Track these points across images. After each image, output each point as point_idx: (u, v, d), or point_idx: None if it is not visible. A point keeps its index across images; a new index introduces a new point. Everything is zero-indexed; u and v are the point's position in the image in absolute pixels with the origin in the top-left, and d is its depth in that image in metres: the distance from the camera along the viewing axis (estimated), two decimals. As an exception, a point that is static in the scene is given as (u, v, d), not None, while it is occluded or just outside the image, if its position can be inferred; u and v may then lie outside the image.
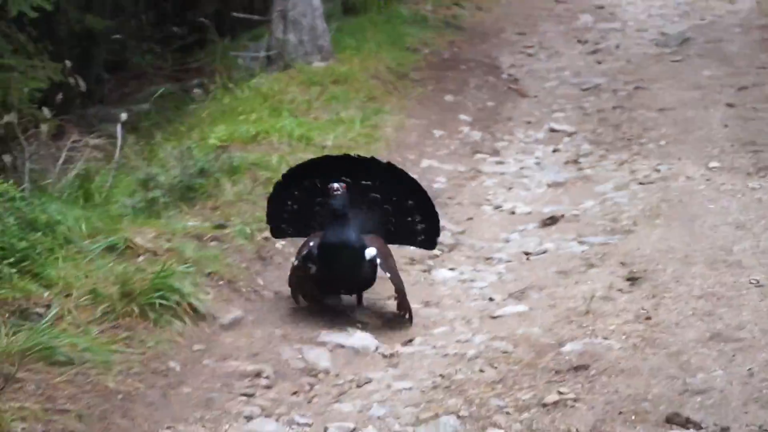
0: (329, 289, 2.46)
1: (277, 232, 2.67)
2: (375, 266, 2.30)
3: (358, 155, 2.74)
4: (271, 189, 2.65)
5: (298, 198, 2.57)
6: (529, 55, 6.20)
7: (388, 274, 2.28)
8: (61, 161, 3.25)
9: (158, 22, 6.38)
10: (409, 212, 2.56)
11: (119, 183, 3.14)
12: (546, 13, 7.46)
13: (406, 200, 2.56)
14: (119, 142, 3.42)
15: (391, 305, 2.33)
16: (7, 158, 3.14)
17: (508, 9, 7.56)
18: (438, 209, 2.63)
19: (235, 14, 5.41)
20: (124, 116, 3.68)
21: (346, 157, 2.75)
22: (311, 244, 2.38)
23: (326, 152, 3.28)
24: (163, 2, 6.67)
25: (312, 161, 2.77)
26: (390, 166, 2.66)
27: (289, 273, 2.44)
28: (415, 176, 2.76)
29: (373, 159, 2.72)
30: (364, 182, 2.51)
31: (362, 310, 2.43)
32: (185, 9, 6.55)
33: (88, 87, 4.12)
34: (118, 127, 3.49)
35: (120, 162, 3.37)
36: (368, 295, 2.40)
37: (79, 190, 2.99)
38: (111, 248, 2.21)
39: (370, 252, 2.30)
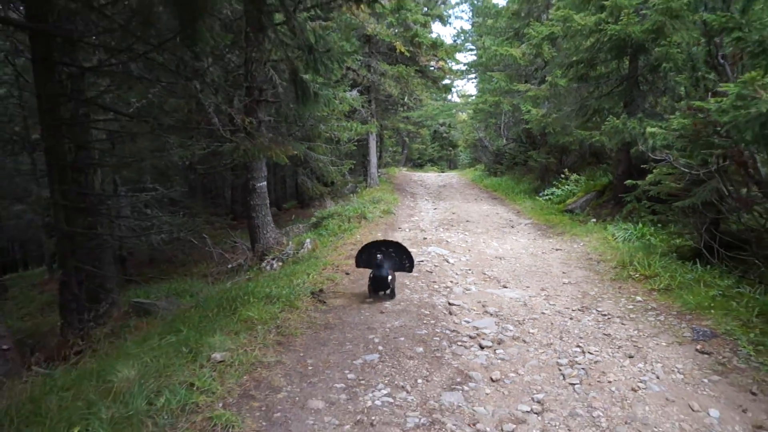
0: (375, 290, 5.54)
1: (357, 265, 5.83)
2: (389, 281, 5.39)
3: (386, 240, 5.99)
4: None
5: (365, 255, 5.72)
6: (413, 187, 19.02)
7: (392, 284, 5.45)
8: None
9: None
10: (402, 258, 5.69)
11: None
12: (411, 180, 21.51)
13: (402, 255, 5.70)
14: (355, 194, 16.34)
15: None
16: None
17: (402, 179, 21.71)
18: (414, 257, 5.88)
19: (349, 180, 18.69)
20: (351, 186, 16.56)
21: (383, 240, 5.94)
22: (369, 276, 5.46)
23: (381, 204, 16.49)
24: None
25: (369, 243, 5.87)
26: (397, 243, 5.78)
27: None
28: (404, 244, 6.00)
29: (392, 241, 5.91)
30: (389, 249, 5.69)
31: (389, 294, 5.55)
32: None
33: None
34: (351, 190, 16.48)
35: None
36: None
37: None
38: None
39: (389, 277, 5.38)
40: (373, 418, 3.21)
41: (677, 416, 3.20)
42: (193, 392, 3.31)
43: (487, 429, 3.12)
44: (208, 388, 3.40)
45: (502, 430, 3.12)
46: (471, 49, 27.38)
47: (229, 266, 9.84)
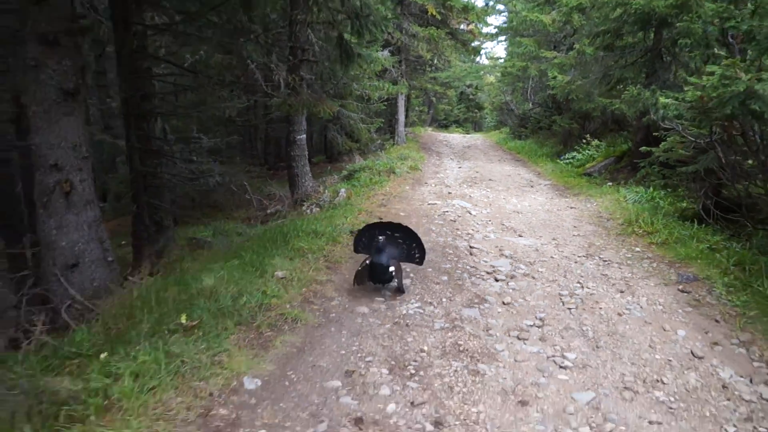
0: (372, 280, 4.54)
1: (356, 250, 4.97)
2: (391, 273, 4.43)
3: (394, 223, 4.99)
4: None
5: (366, 238, 4.86)
6: (438, 147, 20.11)
7: (395, 277, 4.46)
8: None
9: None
10: (411, 247, 4.81)
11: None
12: (437, 140, 22.47)
13: (411, 242, 4.81)
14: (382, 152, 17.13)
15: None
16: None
17: (428, 139, 22.59)
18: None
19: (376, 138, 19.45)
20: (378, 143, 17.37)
21: (389, 223, 5.04)
22: (366, 261, 4.54)
23: (409, 161, 17.20)
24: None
25: (372, 223, 5.18)
26: (407, 228, 4.85)
27: (354, 272, 4.69)
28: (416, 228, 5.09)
29: (399, 224, 4.93)
30: (396, 234, 4.79)
31: (387, 287, 4.64)
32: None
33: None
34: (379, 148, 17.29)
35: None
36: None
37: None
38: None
39: (390, 267, 4.42)
40: (407, 321, 4.09)
41: (650, 333, 4.01)
42: (266, 296, 4.21)
43: (497, 334, 3.97)
44: (277, 294, 4.31)
45: (509, 335, 3.97)
46: (502, 11, 27.35)
47: (268, 212, 10.77)
